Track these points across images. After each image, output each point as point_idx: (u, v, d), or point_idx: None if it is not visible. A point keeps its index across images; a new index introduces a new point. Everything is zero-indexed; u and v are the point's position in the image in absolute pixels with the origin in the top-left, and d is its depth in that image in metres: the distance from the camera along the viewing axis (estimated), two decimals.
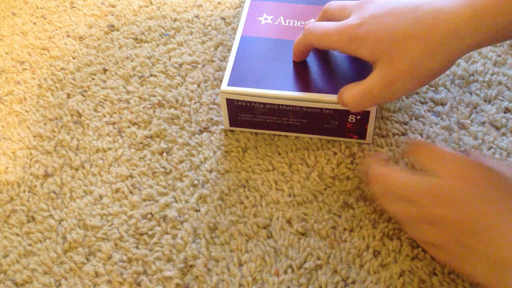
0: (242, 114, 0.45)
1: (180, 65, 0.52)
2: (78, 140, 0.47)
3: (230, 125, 0.47)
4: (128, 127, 0.48)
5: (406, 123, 0.47)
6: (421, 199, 0.35)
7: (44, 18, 0.58)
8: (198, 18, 0.57)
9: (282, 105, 0.43)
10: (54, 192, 0.44)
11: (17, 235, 0.42)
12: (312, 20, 0.45)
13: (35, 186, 0.44)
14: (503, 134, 0.46)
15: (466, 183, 0.34)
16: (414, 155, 0.39)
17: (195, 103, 0.49)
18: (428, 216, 0.35)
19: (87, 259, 0.40)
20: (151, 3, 0.58)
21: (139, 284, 0.39)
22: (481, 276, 0.33)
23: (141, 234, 0.41)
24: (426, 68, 0.36)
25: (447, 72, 0.50)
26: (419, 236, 0.38)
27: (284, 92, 0.43)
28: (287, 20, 0.49)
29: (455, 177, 0.35)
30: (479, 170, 0.35)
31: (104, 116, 0.49)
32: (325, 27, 0.40)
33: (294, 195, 0.43)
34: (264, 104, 0.43)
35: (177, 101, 0.49)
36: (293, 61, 0.45)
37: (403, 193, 0.36)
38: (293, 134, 0.46)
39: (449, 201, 0.34)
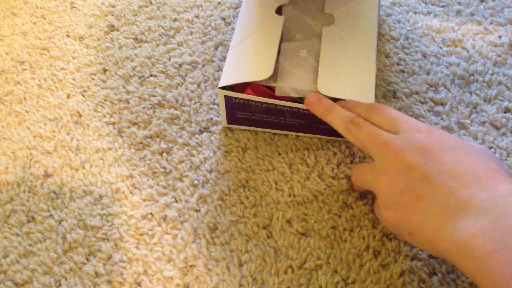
0: (240, 112, 0.45)
1: (180, 65, 0.52)
2: (78, 140, 0.47)
3: (228, 123, 0.47)
4: (128, 127, 0.48)
5: None
6: (384, 149, 0.36)
7: (44, 18, 0.58)
8: (198, 18, 0.57)
9: (279, 105, 0.43)
10: (54, 192, 0.44)
11: (17, 235, 0.42)
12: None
13: (35, 186, 0.44)
14: (503, 134, 0.46)
15: (426, 135, 0.35)
16: (372, 117, 0.39)
17: (195, 103, 0.49)
18: (386, 166, 0.35)
19: (87, 259, 0.40)
20: (151, 3, 0.58)
21: (139, 284, 0.39)
22: (429, 224, 0.32)
23: (141, 234, 0.41)
24: None
25: (447, 72, 0.50)
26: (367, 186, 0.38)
27: None
28: None
29: (416, 131, 0.36)
30: (437, 128, 0.37)
31: (104, 116, 0.49)
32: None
33: (294, 195, 0.43)
34: (262, 103, 0.43)
35: (177, 101, 0.49)
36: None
37: (371, 140, 0.37)
38: (292, 133, 0.46)
39: (408, 149, 0.35)
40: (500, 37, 0.53)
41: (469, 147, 0.35)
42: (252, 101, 0.43)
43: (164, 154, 0.46)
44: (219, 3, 0.58)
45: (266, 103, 0.43)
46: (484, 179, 0.32)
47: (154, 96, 0.50)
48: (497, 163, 0.34)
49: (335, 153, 0.45)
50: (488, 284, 0.28)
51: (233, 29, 0.55)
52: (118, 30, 0.56)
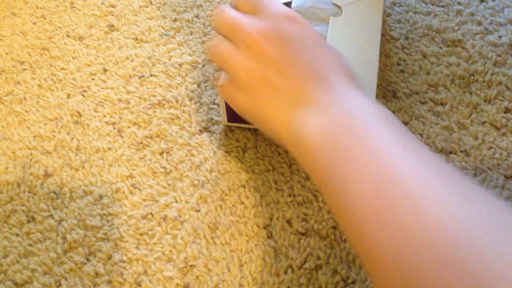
0: None
1: (180, 65, 0.52)
2: (78, 140, 0.47)
3: (228, 121, 0.47)
4: (128, 127, 0.48)
5: (406, 123, 0.47)
6: (243, 30, 0.35)
7: (44, 18, 0.58)
8: (198, 18, 0.57)
9: None
10: (54, 192, 0.44)
11: (17, 235, 0.42)
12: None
13: (35, 186, 0.44)
14: (503, 134, 0.46)
15: (290, 24, 0.35)
16: (240, 4, 0.38)
17: (195, 103, 0.49)
18: (243, 48, 0.35)
19: (87, 259, 0.40)
20: (151, 3, 0.58)
21: (139, 284, 0.39)
22: (277, 116, 0.33)
23: (141, 234, 0.41)
24: None
25: (447, 72, 0.50)
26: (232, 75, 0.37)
27: None
28: None
29: (282, 18, 0.35)
30: (304, 20, 0.36)
31: (104, 116, 0.49)
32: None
33: (294, 195, 0.43)
34: None
35: (177, 101, 0.50)
36: None
37: (234, 24, 0.36)
38: None
39: (268, 35, 0.34)
40: (500, 37, 0.53)
41: (329, 47, 0.35)
42: None
43: (164, 154, 0.46)
44: (219, 3, 0.58)
45: None
46: (334, 79, 0.32)
47: (154, 96, 0.50)
48: (350, 67, 0.34)
49: None
50: (318, 178, 0.30)
51: None
52: (118, 30, 0.56)
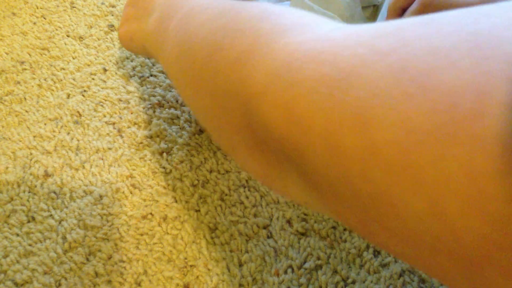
0: None
1: None
2: (78, 140, 0.47)
3: None
4: (128, 127, 0.48)
5: None
6: None
7: (44, 18, 0.58)
8: None
9: None
10: (54, 192, 0.44)
11: (17, 235, 0.42)
12: None
13: (35, 186, 0.44)
14: None
15: None
16: None
17: None
18: None
19: (87, 259, 0.40)
20: None
21: (139, 284, 0.39)
22: (132, 30, 0.42)
23: (141, 234, 0.41)
24: None
25: None
26: None
27: None
28: None
29: None
30: None
31: (104, 116, 0.49)
32: None
33: None
34: None
35: (177, 101, 0.50)
36: None
37: None
38: None
39: None
40: None
41: None
42: None
43: (164, 154, 0.46)
44: None
45: None
46: None
47: (154, 96, 0.50)
48: None
49: None
50: (163, 62, 0.35)
51: None
52: (118, 30, 0.56)
